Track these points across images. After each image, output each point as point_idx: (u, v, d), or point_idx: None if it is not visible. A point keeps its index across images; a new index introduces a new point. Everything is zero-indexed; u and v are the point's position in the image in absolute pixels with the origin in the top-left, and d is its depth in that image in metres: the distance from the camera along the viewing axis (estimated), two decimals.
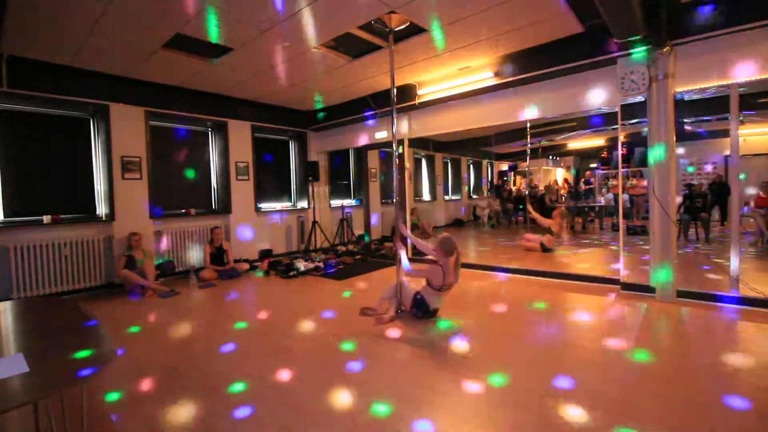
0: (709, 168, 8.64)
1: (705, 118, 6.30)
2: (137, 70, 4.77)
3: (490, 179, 13.42)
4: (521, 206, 10.11)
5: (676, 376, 2.27)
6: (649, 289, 3.84)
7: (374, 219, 7.83)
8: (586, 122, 7.29)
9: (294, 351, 2.83)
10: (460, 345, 2.83)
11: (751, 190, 6.60)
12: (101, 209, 5.05)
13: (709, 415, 1.88)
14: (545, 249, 6.33)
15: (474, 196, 12.66)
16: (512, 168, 12.87)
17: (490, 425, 1.86)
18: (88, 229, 4.82)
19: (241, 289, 4.89)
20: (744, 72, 3.34)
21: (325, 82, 5.48)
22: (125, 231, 4.96)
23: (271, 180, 7.16)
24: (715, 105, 5.09)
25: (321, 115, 7.03)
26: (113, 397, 2.24)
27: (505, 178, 12.93)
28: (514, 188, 11.82)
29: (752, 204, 6.45)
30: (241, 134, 6.40)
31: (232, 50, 4.21)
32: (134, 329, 3.45)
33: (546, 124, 7.67)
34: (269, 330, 3.32)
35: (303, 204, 7.52)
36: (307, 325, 3.39)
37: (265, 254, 6.56)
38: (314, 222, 7.14)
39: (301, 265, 5.60)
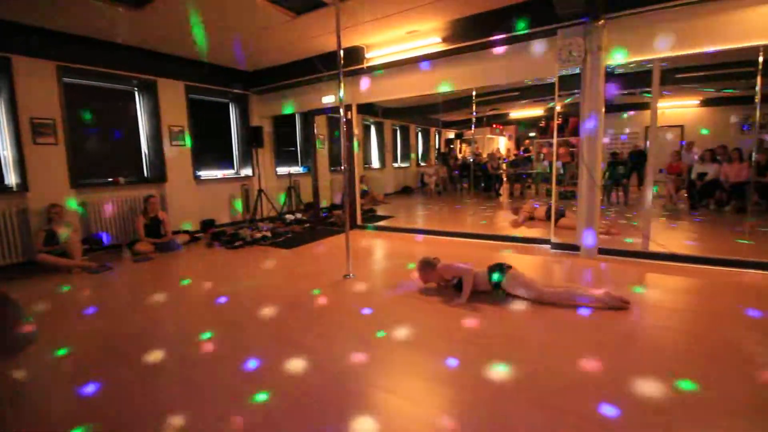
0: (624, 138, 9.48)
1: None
2: (45, 17, 4.13)
3: (437, 147, 13.66)
4: (466, 173, 10.47)
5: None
6: (575, 248, 4.23)
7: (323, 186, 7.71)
8: (528, 92, 7.58)
9: (242, 324, 2.80)
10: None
11: None
12: (10, 179, 4.46)
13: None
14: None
15: (422, 164, 12.87)
16: (458, 136, 13.16)
17: None
18: None
19: (182, 262, 4.66)
20: (666, 47, 3.63)
21: (266, 39, 5.13)
22: (43, 203, 4.46)
23: (210, 146, 6.72)
24: (640, 79, 5.51)
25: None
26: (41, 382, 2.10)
27: (452, 146, 13.23)
28: (459, 156, 12.16)
29: (665, 171, 7.23)
30: (173, 95, 5.87)
31: None
32: (61, 309, 3.19)
33: (491, 93, 7.86)
34: (212, 300, 3.23)
35: (247, 171, 7.18)
36: (253, 296, 3.35)
37: (208, 225, 6.26)
38: (260, 190, 6.88)
39: (248, 234, 5.43)
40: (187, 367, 2.18)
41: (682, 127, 9.15)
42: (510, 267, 3.00)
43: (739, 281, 3.30)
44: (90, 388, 1.98)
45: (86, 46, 4.81)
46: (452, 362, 2.13)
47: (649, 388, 1.82)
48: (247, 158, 7.16)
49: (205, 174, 6.56)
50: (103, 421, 1.73)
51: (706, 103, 8.83)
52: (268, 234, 5.61)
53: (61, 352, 2.37)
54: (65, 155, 4.74)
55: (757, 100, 4.31)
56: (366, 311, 2.90)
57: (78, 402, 1.88)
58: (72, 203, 4.78)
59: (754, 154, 5.61)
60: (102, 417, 1.76)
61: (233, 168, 7.19)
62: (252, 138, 6.74)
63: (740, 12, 3.33)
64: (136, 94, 5.68)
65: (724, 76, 6.07)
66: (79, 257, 4.36)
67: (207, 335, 2.56)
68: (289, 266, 4.29)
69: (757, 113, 4.44)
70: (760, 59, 4.14)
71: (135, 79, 5.48)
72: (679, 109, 9.08)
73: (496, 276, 2.96)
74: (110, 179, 5.34)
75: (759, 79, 4.19)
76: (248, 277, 3.92)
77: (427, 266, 3.23)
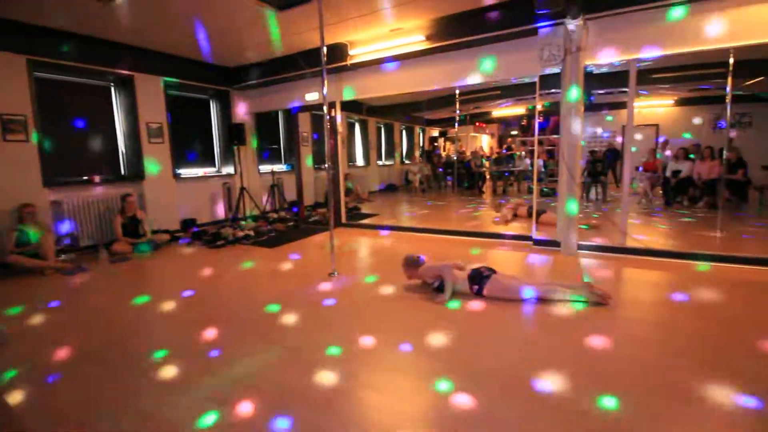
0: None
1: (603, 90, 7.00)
2: (13, 9, 3.96)
3: (421, 145, 13.72)
4: (450, 171, 10.55)
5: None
6: (556, 244, 4.32)
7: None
8: (510, 91, 7.67)
9: (224, 322, 2.75)
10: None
11: None
12: None
13: None
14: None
15: (407, 162, 12.91)
16: (442, 134, 13.26)
17: None
18: None
19: (162, 262, 4.56)
20: (643, 49, 3.72)
21: (249, 35, 5.05)
22: (13, 202, 4.28)
23: (190, 143, 6.58)
24: (617, 79, 5.64)
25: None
26: (15, 389, 2.02)
27: (436, 144, 13.31)
28: (444, 153, 12.23)
29: (641, 168, 7.44)
30: (151, 91, 5.71)
31: None
32: (32, 312, 3.08)
33: (474, 91, 7.93)
34: (196, 301, 3.17)
35: (229, 169, 7.06)
36: (236, 294, 3.31)
37: (188, 224, 6.13)
38: (242, 188, 6.78)
39: (230, 233, 5.35)
40: (168, 369, 2.13)
41: (657, 126, 9.42)
42: (492, 273, 2.98)
43: (711, 275, 3.42)
44: (62, 392, 1.92)
45: (59, 40, 4.64)
46: (437, 359, 2.15)
47: (629, 383, 1.88)
48: (228, 156, 7.04)
49: (185, 172, 6.43)
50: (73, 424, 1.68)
51: (680, 102, 9.11)
52: (251, 233, 5.53)
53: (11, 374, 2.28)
54: (37, 153, 4.57)
55: (727, 100, 4.48)
56: (351, 309, 2.89)
57: (45, 402, 1.83)
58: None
59: (725, 151, 5.81)
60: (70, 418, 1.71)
61: (215, 166, 7.06)
62: (234, 135, 6.63)
63: (715, 15, 3.44)
64: (113, 89, 5.51)
65: (697, 76, 6.28)
66: (52, 258, 4.21)
67: (187, 337, 2.51)
68: (273, 265, 4.24)
69: (728, 112, 4.60)
70: (731, 60, 4.30)
71: (111, 74, 5.32)
72: (654, 108, 9.35)
73: (476, 287, 2.95)
74: (85, 177, 5.18)
75: (730, 79, 4.35)
76: (230, 277, 3.86)
77: (411, 264, 3.24)
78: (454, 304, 2.87)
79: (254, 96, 6.96)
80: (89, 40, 4.88)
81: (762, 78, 6.36)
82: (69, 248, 4.75)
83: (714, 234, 4.84)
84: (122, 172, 5.66)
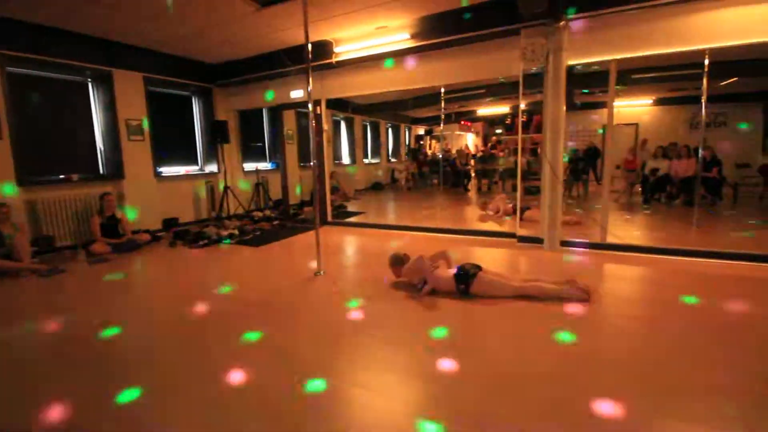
0: None
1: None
2: None
3: (407, 143, 13.75)
4: (435, 169, 10.60)
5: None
6: (539, 241, 4.39)
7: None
8: (494, 89, 7.76)
9: (205, 323, 2.71)
10: None
11: None
12: None
13: None
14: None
15: (393, 160, 12.92)
16: (428, 132, 13.32)
17: None
18: None
19: (142, 263, 4.46)
20: (624, 49, 3.81)
21: (232, 31, 4.96)
22: None
23: (172, 141, 6.44)
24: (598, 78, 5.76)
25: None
26: None
27: (421, 142, 13.36)
28: (429, 152, 12.28)
29: (621, 166, 7.62)
30: (131, 87, 5.56)
31: None
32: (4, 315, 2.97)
33: (459, 90, 7.98)
34: (176, 303, 3.11)
35: (212, 168, 6.95)
36: (217, 294, 3.26)
37: (170, 224, 6.01)
38: (226, 187, 6.68)
39: (213, 232, 5.26)
40: (156, 373, 2.09)
41: (636, 125, 9.65)
42: (479, 270, 2.98)
43: (688, 270, 3.53)
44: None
45: (33, 34, 4.48)
46: (423, 356, 2.16)
47: (622, 381, 1.93)
48: (212, 154, 6.92)
49: (167, 170, 6.29)
50: None
51: (659, 102, 9.36)
52: (235, 232, 5.46)
53: None
54: (10, 151, 4.40)
55: (703, 100, 4.61)
56: (337, 308, 2.88)
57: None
58: None
59: (700, 150, 5.99)
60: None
61: (197, 164, 6.93)
62: (217, 133, 6.52)
63: (692, 17, 3.54)
64: (90, 85, 5.35)
65: (675, 77, 6.46)
66: (27, 260, 4.07)
67: (172, 339, 2.47)
68: (258, 265, 4.20)
69: (703, 112, 4.74)
70: (706, 62, 4.43)
71: (89, 69, 5.16)
72: (634, 108, 9.58)
73: (462, 286, 2.95)
74: (62, 176, 5.02)
75: (705, 80, 4.47)
76: (213, 278, 3.80)
77: (396, 262, 3.25)
78: (442, 305, 2.88)
79: (238, 93, 6.85)
80: (65, 34, 4.73)
81: (736, 78, 6.57)
82: (46, 249, 4.60)
83: (690, 230, 4.99)
84: (101, 170, 5.50)
